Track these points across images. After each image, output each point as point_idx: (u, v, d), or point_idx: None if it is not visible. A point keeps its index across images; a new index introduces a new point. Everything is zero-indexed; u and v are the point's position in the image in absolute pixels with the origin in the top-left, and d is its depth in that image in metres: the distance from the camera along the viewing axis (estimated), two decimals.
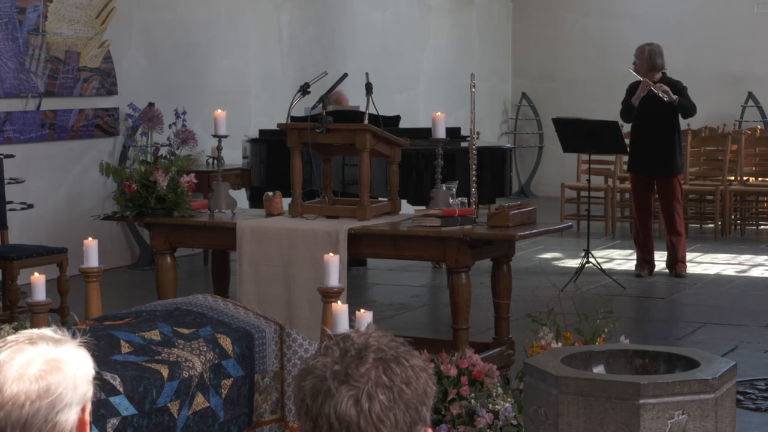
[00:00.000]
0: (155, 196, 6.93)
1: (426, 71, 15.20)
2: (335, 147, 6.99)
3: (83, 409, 2.03)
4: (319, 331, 5.28)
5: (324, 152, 6.98)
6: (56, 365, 2.00)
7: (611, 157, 12.96)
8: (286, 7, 12.70)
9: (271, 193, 7.16)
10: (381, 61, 13.64)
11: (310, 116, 6.72)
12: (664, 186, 9.83)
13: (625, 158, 12.99)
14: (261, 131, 9.90)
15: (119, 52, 10.56)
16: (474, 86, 6.84)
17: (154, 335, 4.52)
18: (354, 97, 10.73)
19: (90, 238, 5.67)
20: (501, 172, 8.81)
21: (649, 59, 9.85)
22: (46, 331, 2.07)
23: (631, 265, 10.71)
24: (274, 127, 8.68)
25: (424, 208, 6.73)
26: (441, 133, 6.62)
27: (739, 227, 12.86)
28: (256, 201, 9.43)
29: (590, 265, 9.61)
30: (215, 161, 9.06)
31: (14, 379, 1.97)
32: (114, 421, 4.07)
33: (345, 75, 7.37)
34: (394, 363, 1.90)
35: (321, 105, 6.89)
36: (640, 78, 9.90)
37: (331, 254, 5.26)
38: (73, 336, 2.09)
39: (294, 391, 1.95)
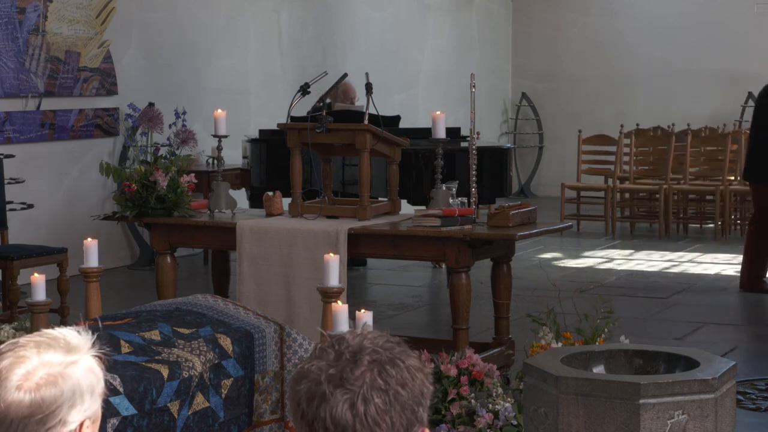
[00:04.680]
0: (155, 196, 6.93)
1: (426, 71, 15.20)
2: (335, 147, 6.98)
3: (81, 425, 1.96)
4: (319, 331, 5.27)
5: (324, 152, 6.98)
6: (55, 380, 1.93)
7: (611, 157, 12.97)
8: (285, 7, 12.70)
9: (271, 193, 7.16)
10: (381, 61, 13.64)
11: (310, 116, 6.72)
12: None
13: (625, 158, 13.03)
14: (261, 131, 9.90)
15: (119, 52, 10.56)
16: (474, 86, 6.84)
17: (154, 335, 4.52)
18: None
19: (90, 238, 5.67)
20: (501, 172, 8.81)
21: None
22: (67, 333, 2.00)
23: (631, 264, 10.72)
24: (274, 127, 8.68)
25: (424, 208, 6.73)
26: (441, 133, 6.61)
27: (739, 227, 12.86)
28: (256, 201, 9.43)
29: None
30: (215, 161, 9.06)
31: (11, 390, 1.92)
32: (114, 421, 4.07)
33: (345, 75, 7.37)
34: (390, 365, 1.89)
35: (321, 104, 6.88)
36: None
37: (331, 254, 5.26)
38: (92, 344, 2.02)
39: (289, 395, 1.94)
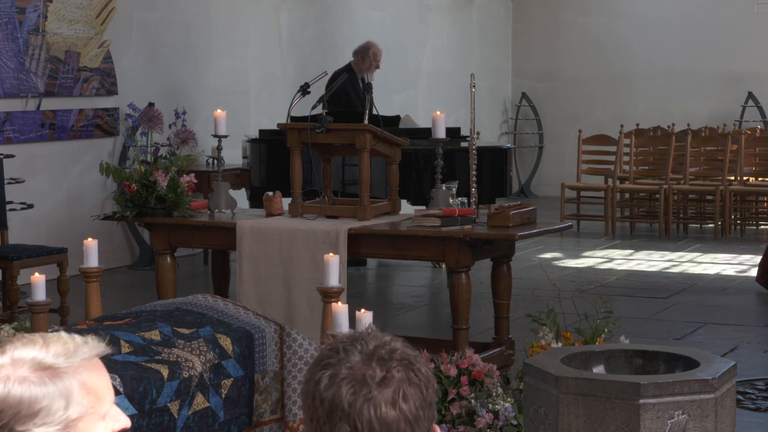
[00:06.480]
0: (155, 196, 6.93)
1: (426, 71, 15.20)
2: (335, 147, 6.99)
3: None
4: (319, 331, 5.27)
5: (324, 152, 6.98)
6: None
7: (611, 157, 12.97)
8: (286, 7, 12.70)
9: (271, 193, 7.16)
10: (381, 61, 13.63)
11: (310, 116, 6.73)
12: None
13: (625, 158, 13.03)
14: (261, 131, 9.90)
15: (119, 52, 10.56)
16: (474, 86, 6.84)
17: (154, 335, 4.52)
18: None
19: (90, 238, 5.67)
20: (501, 172, 8.81)
21: None
22: (61, 348, 1.87)
23: (631, 264, 10.72)
24: (274, 127, 8.68)
25: (424, 208, 6.73)
26: (441, 133, 6.62)
27: (739, 227, 12.87)
28: (256, 201, 9.43)
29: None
30: (215, 161, 9.05)
31: None
32: None
33: (345, 75, 7.37)
34: (414, 360, 1.92)
35: (320, 104, 6.89)
36: None
37: (331, 254, 5.26)
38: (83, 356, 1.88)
39: (323, 397, 1.89)
